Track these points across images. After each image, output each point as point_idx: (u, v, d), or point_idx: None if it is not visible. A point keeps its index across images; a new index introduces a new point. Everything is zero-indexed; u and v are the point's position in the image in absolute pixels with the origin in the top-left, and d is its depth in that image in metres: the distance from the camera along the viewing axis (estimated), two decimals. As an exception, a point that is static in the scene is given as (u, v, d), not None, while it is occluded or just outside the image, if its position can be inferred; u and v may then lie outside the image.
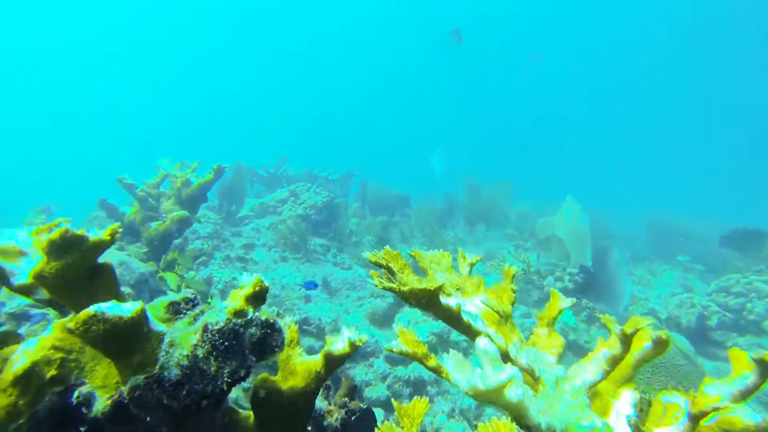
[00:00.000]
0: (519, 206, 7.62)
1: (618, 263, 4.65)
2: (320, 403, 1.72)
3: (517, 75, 37.64)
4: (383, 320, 4.35)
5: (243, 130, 40.95)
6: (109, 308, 0.91)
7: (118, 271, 2.50)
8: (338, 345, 1.33)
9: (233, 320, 1.01)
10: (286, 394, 1.27)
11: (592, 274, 4.87)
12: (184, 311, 1.16)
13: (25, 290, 1.05)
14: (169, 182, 3.55)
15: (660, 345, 1.17)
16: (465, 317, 1.42)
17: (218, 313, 1.01)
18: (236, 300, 1.03)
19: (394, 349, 1.03)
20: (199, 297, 1.19)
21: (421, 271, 1.77)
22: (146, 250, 3.18)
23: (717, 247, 5.70)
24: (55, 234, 0.96)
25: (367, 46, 40.18)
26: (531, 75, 35.59)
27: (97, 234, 1.00)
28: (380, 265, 1.54)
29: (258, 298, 1.05)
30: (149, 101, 42.34)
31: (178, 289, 2.94)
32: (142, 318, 0.95)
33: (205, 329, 1.00)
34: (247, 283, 1.05)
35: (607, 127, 38.27)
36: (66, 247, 0.97)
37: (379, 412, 2.99)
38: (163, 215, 3.30)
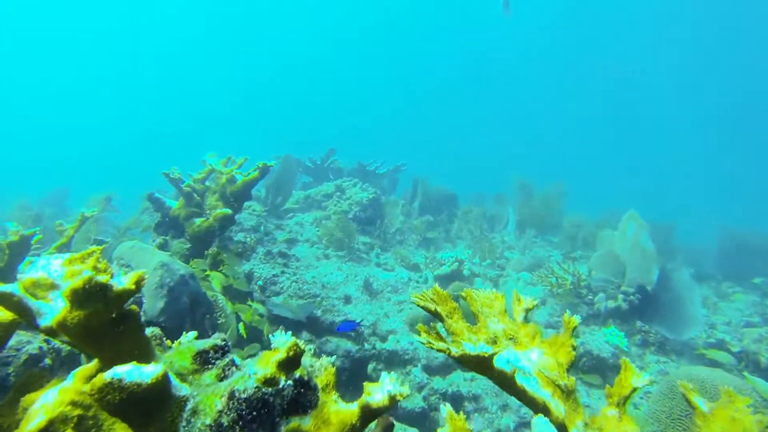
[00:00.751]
0: (572, 213, 7.21)
1: (687, 285, 4.25)
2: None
3: (580, 79, 35.98)
4: (423, 327, 4.21)
5: (296, 122, 41.85)
6: (128, 373, 0.82)
7: (159, 273, 2.49)
8: (377, 396, 1.21)
9: (263, 389, 0.90)
10: (318, 449, 1.16)
11: (650, 294, 4.51)
12: (213, 360, 1.07)
13: (50, 332, 1.00)
14: (215, 177, 3.54)
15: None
16: (519, 380, 1.27)
17: (247, 380, 0.91)
18: (267, 366, 0.92)
19: (442, 444, 0.90)
20: (230, 343, 1.10)
21: (469, 313, 1.62)
22: (189, 246, 3.19)
23: None
24: (78, 282, 0.89)
25: (421, 40, 39.83)
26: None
27: (122, 283, 0.92)
28: (428, 310, 1.40)
29: (292, 363, 0.94)
30: (212, 93, 44.01)
31: (223, 291, 2.93)
32: (162, 383, 0.86)
33: (232, 396, 0.90)
34: (282, 346, 0.93)
35: (679, 132, 35.55)
36: (89, 297, 0.90)
37: (413, 432, 2.87)
38: (207, 212, 3.30)
